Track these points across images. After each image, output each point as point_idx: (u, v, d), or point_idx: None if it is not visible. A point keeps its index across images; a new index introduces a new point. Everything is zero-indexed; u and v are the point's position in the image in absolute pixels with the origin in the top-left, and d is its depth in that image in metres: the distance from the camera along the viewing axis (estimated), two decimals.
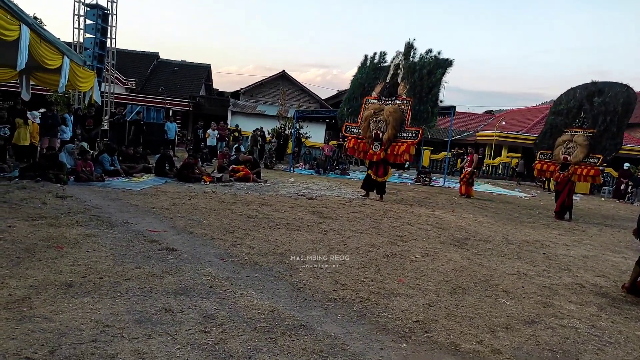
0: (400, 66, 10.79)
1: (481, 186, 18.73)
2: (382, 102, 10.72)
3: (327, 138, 26.05)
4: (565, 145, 10.98)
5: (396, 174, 20.86)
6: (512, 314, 3.91)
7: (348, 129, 11.43)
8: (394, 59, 11.02)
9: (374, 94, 11.00)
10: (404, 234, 6.95)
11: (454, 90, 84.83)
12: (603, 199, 19.12)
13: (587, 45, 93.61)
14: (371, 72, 11.36)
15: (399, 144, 10.32)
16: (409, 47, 10.82)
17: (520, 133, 27.70)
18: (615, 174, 22.91)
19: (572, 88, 11.55)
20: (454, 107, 19.20)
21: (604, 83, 10.98)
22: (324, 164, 18.12)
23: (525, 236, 7.90)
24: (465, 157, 15.56)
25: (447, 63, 10.40)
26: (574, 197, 11.38)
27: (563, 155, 10.94)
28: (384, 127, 10.40)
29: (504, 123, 30.24)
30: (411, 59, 10.67)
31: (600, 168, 11.39)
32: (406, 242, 6.35)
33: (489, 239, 7.29)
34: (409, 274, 4.82)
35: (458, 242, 6.73)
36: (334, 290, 4.04)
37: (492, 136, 27.82)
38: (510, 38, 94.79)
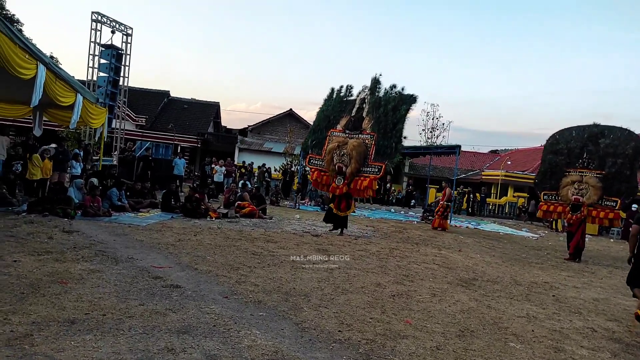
0: (366, 100, 10.80)
1: (488, 225, 18.59)
2: (347, 135, 10.63)
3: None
4: (575, 186, 10.93)
5: (402, 212, 20.80)
6: (522, 358, 3.81)
7: (311, 161, 11.23)
8: (360, 92, 11.06)
9: (338, 127, 10.90)
10: (410, 273, 6.86)
11: (459, 130, 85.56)
12: (612, 240, 18.86)
13: (590, 87, 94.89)
14: (337, 104, 11.34)
15: (362, 178, 10.23)
16: (375, 82, 10.86)
17: (526, 173, 27.70)
18: (623, 215, 22.68)
19: (566, 128, 11.71)
20: (459, 146, 19.35)
21: (604, 126, 11.16)
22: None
23: (534, 277, 7.77)
24: (441, 191, 15.76)
25: (412, 99, 10.54)
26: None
27: (574, 197, 10.86)
28: (348, 161, 10.31)
29: (509, 163, 30.32)
30: (377, 94, 10.73)
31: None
32: (413, 282, 6.26)
33: (497, 279, 7.17)
34: (415, 314, 4.73)
35: (465, 283, 6.62)
36: (339, 331, 3.96)
37: (498, 175, 27.82)
38: (514, 79, 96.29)
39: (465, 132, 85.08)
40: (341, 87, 11.52)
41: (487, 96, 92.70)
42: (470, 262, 8.63)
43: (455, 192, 21.71)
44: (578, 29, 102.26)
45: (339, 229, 10.64)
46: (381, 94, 10.73)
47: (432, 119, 43.91)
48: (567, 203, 11.04)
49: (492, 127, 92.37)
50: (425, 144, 39.18)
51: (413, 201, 24.77)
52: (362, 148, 10.24)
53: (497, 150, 43.53)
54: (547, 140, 12.17)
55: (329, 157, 10.58)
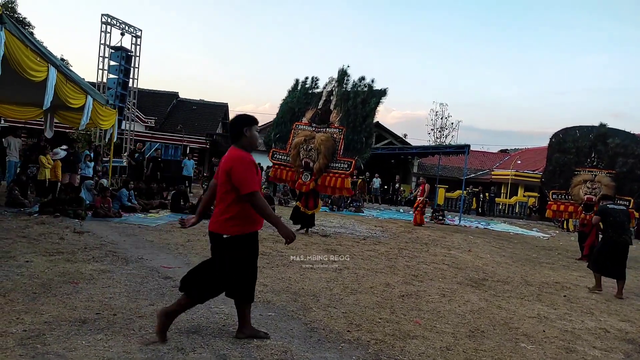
0: (334, 93, 10.40)
1: (498, 225, 18.46)
2: (314, 129, 10.15)
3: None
4: (588, 185, 10.83)
5: (411, 212, 20.71)
6: (533, 359, 3.77)
7: (275, 156, 10.55)
8: (326, 85, 10.64)
9: (304, 120, 10.40)
10: (419, 273, 6.83)
11: (469, 129, 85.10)
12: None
13: (602, 86, 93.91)
14: (302, 96, 10.82)
15: (331, 175, 9.82)
16: (343, 73, 10.44)
17: (536, 172, 27.44)
18: (637, 214, 22.41)
19: (570, 127, 11.71)
20: (468, 146, 19.21)
21: (610, 128, 11.30)
22: (338, 202, 18.09)
23: (545, 277, 7.70)
24: (418, 186, 15.62)
25: (381, 93, 10.18)
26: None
27: (587, 196, 10.75)
28: (315, 156, 9.83)
29: (519, 162, 30.07)
30: (344, 87, 10.32)
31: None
32: (422, 282, 6.23)
33: (508, 280, 7.12)
34: (425, 315, 4.70)
35: (475, 283, 6.58)
36: (348, 331, 3.95)
37: (508, 175, 27.61)
38: (524, 78, 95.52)
39: (475, 132, 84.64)
40: (306, 78, 11.02)
41: (497, 95, 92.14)
42: (480, 262, 8.57)
43: (465, 192, 21.61)
44: (588, 27, 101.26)
45: (305, 229, 10.03)
46: (349, 86, 10.32)
47: (441, 118, 43.79)
48: (578, 202, 10.93)
49: (501, 126, 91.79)
50: (434, 144, 39.04)
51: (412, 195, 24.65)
52: (331, 142, 9.83)
53: (507, 149, 43.23)
54: (551, 139, 12.05)
55: (294, 151, 10.06)
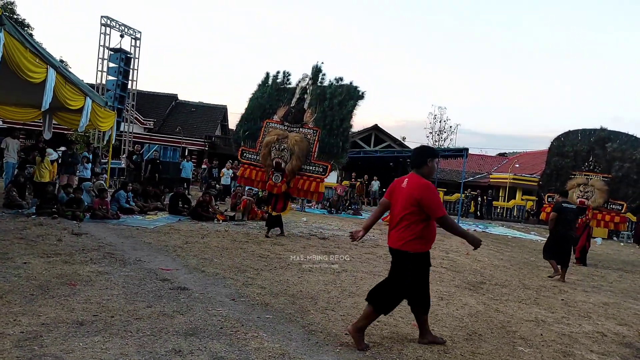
0: (308, 91, 9.92)
1: (496, 229, 18.48)
2: (286, 128, 9.58)
3: (339, 178, 26.17)
4: (581, 189, 10.85)
5: None
6: None
7: (245, 155, 9.88)
8: (300, 81, 10.12)
9: (275, 118, 9.81)
10: None
11: (467, 133, 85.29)
12: (622, 244, 18.67)
13: (600, 90, 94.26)
14: (274, 92, 10.24)
15: (304, 178, 9.39)
16: (317, 70, 9.97)
17: (534, 175, 27.51)
18: (634, 218, 22.45)
19: (572, 131, 11.69)
20: (466, 149, 19.30)
21: (610, 131, 11.15)
22: (337, 204, 18.11)
23: (543, 281, 7.71)
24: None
25: (359, 96, 9.72)
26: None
27: (579, 199, 10.78)
28: (288, 157, 9.24)
29: (517, 165, 30.15)
30: (319, 84, 9.85)
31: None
32: None
33: (505, 283, 7.12)
34: None
35: (473, 286, 6.58)
36: (346, 334, 3.95)
37: (506, 178, 27.68)
38: (524, 82, 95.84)
39: (474, 135, 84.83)
40: (277, 72, 10.41)
41: (496, 99, 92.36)
42: (478, 265, 8.58)
43: (463, 195, 21.64)
44: (587, 29, 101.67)
45: (273, 229, 9.57)
46: (326, 85, 9.86)
47: (440, 121, 43.88)
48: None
49: (500, 130, 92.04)
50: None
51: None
52: (305, 144, 9.31)
53: (505, 153, 43.33)
54: (552, 143, 12.11)
55: (265, 150, 9.43)
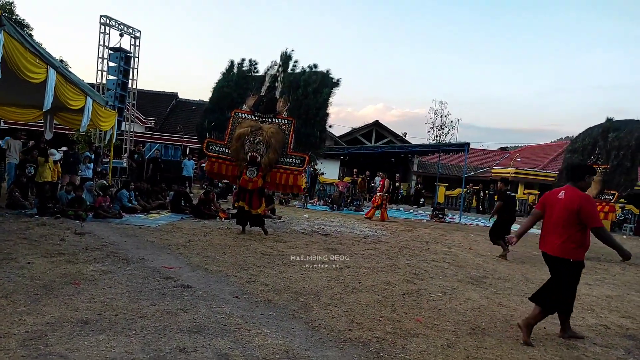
0: (279, 79, 9.47)
1: None
2: (257, 118, 9.00)
3: (341, 174, 26.18)
4: None
5: (411, 210, 20.74)
6: (534, 356, 3.78)
7: (211, 147, 9.08)
8: (268, 69, 9.66)
9: (245, 107, 9.27)
10: (420, 271, 6.84)
11: (468, 127, 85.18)
12: (625, 236, 18.64)
13: (604, 83, 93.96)
14: (240, 80, 9.66)
15: (281, 171, 8.88)
16: (287, 58, 9.48)
17: (536, 170, 27.47)
18: (637, 211, 22.42)
19: (590, 127, 11.53)
20: (468, 144, 19.25)
21: (621, 121, 10.97)
22: (338, 200, 18.11)
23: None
24: (378, 181, 15.44)
25: (334, 83, 9.47)
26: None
27: None
28: (264, 150, 8.64)
29: (519, 160, 30.07)
30: (290, 72, 9.36)
31: (620, 204, 11.20)
32: (423, 280, 6.25)
33: (508, 277, 7.13)
34: (426, 313, 4.72)
35: (476, 281, 6.59)
36: (349, 330, 3.96)
37: (508, 173, 27.62)
38: (524, 76, 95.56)
39: (475, 130, 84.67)
40: (243, 60, 9.93)
41: (497, 93, 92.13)
42: (480, 260, 8.58)
43: (465, 190, 21.63)
44: (589, 23, 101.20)
45: (262, 228, 9.12)
46: (297, 73, 9.43)
47: (441, 116, 43.89)
48: None
49: (502, 124, 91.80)
50: (433, 142, 39.08)
51: (422, 199, 24.67)
52: (281, 135, 8.81)
53: (507, 147, 43.28)
54: (570, 141, 12.18)
55: (237, 143, 8.74)
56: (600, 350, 4.12)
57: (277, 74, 9.70)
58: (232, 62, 10.16)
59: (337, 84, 9.55)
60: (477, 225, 16.55)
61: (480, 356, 3.66)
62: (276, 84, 9.62)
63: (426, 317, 4.55)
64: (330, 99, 9.36)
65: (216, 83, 9.91)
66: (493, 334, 4.24)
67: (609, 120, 11.14)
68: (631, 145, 10.32)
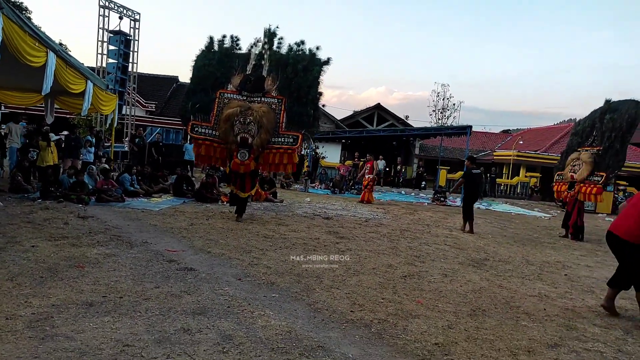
0: (265, 57, 8.93)
1: (499, 206, 18.50)
2: (245, 98, 8.55)
3: (342, 158, 26.16)
4: (572, 164, 10.83)
5: (412, 194, 20.76)
6: (534, 337, 3.83)
7: (196, 129, 8.56)
8: (252, 46, 9.22)
9: (230, 87, 8.77)
10: (421, 254, 6.88)
11: (471, 110, 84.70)
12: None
13: (608, 63, 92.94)
14: (224, 58, 9.07)
15: (274, 151, 8.48)
16: (271, 35, 8.87)
17: (538, 152, 27.39)
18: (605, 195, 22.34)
19: (594, 110, 11.37)
20: (470, 127, 19.16)
21: (619, 102, 10.77)
22: (340, 184, 18.12)
23: (546, 257, 7.75)
24: (366, 164, 15.24)
25: (324, 61, 8.96)
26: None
27: (570, 174, 10.78)
28: (255, 131, 8.19)
29: (521, 142, 29.97)
30: (277, 50, 8.76)
31: (609, 187, 11.07)
32: (424, 263, 6.29)
33: (509, 259, 7.17)
34: (427, 295, 4.76)
35: (477, 263, 6.63)
36: (351, 311, 4.01)
37: (510, 155, 27.56)
38: (528, 57, 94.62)
39: (477, 112, 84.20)
40: (223, 37, 9.39)
41: (500, 76, 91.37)
42: (481, 242, 8.62)
43: None
44: (593, 2, 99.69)
45: (238, 214, 8.61)
46: (283, 50, 8.98)
47: (443, 99, 43.57)
48: (566, 181, 10.96)
49: (504, 106, 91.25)
50: (435, 125, 38.89)
51: (424, 183, 24.68)
52: (272, 115, 8.42)
53: (509, 130, 43.07)
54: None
55: (226, 125, 8.25)
56: (599, 330, 4.16)
57: (263, 51, 9.27)
58: (211, 38, 9.81)
59: (327, 61, 9.17)
60: (478, 208, 16.57)
61: (480, 337, 3.70)
62: (263, 62, 9.11)
63: (427, 299, 4.60)
64: (321, 77, 9.07)
65: (194, 61, 9.18)
66: (493, 315, 4.29)
67: (607, 101, 10.97)
68: (622, 127, 10.19)
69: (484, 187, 8.55)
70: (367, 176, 14.42)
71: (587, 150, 10.70)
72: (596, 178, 10.28)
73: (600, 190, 10.28)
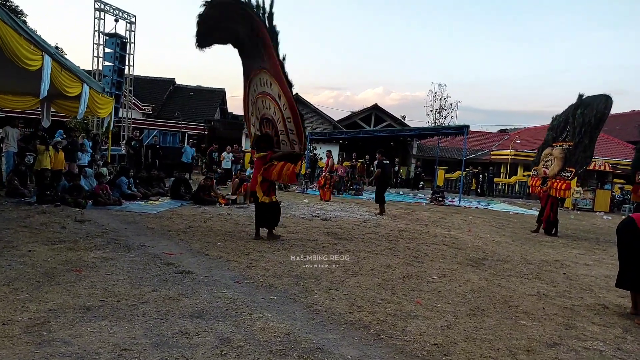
0: None
1: (497, 205, 18.52)
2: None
3: (340, 159, 26.16)
4: (545, 159, 10.86)
5: (410, 194, 20.78)
6: (533, 336, 3.82)
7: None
8: None
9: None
10: (420, 254, 6.88)
11: (468, 110, 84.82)
12: (624, 216, 18.71)
13: (605, 63, 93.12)
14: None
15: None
16: None
17: (535, 151, 27.39)
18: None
19: (571, 105, 11.27)
20: (467, 127, 19.16)
21: (591, 97, 10.63)
22: (338, 185, 18.11)
23: (545, 256, 7.76)
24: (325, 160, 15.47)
25: None
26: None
27: (543, 169, 10.82)
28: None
29: (518, 142, 30.00)
30: None
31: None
32: (422, 263, 6.28)
33: (507, 259, 7.17)
34: (426, 295, 4.75)
35: (475, 263, 6.63)
36: (350, 313, 4.00)
37: (507, 155, 27.60)
38: (525, 57, 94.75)
39: (475, 112, 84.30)
40: None
41: (497, 75, 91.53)
42: (479, 242, 8.62)
43: (464, 172, 21.63)
44: (590, 2, 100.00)
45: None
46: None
47: (440, 99, 43.67)
48: (540, 177, 10.99)
49: (501, 106, 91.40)
50: (433, 125, 38.94)
51: (422, 183, 24.70)
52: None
53: (507, 129, 43.12)
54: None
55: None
56: (598, 329, 4.16)
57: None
58: None
59: None
60: (476, 207, 16.60)
61: (479, 336, 3.70)
62: None
63: (426, 299, 4.59)
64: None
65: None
66: (492, 315, 4.28)
67: (580, 96, 10.88)
68: (591, 122, 10.15)
69: (393, 176, 9.31)
70: (323, 173, 14.56)
71: (559, 146, 10.69)
72: (566, 174, 10.29)
73: (568, 186, 10.31)
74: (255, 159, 7.18)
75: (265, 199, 6.91)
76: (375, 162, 13.23)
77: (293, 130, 6.81)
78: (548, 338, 3.80)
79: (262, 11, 6.48)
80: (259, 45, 6.75)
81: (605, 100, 10.16)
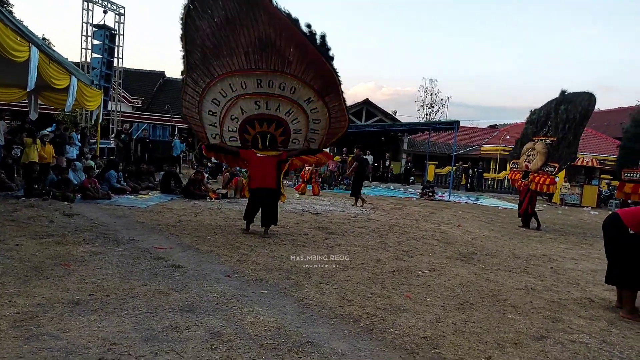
0: None
1: (487, 200, 18.67)
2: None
3: (331, 153, 26.17)
4: (527, 153, 10.96)
5: (401, 189, 20.86)
6: (520, 329, 3.88)
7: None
8: None
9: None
10: (409, 249, 6.92)
11: (458, 105, 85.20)
12: (611, 212, 18.97)
13: (593, 59, 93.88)
14: None
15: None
16: None
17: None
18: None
19: (551, 100, 11.35)
20: (457, 122, 19.28)
21: (574, 93, 10.76)
22: (329, 180, 18.14)
23: (533, 250, 7.85)
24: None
25: None
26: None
27: (525, 163, 10.93)
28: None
29: (508, 137, 30.22)
30: None
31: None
32: (412, 257, 6.32)
33: (496, 253, 7.24)
34: (415, 289, 4.79)
35: (464, 257, 6.69)
36: (340, 307, 4.02)
37: (497, 150, 27.80)
38: (515, 53, 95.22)
39: (465, 108, 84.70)
40: None
41: (487, 71, 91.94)
42: (469, 236, 8.70)
43: (454, 168, 21.76)
44: None
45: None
46: None
47: (431, 94, 43.77)
48: (521, 170, 11.09)
49: (491, 102, 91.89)
50: (423, 120, 39.06)
51: (412, 178, 24.80)
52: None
53: (497, 125, 43.41)
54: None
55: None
56: (584, 322, 4.23)
57: None
58: None
59: None
60: (466, 202, 16.73)
61: (468, 330, 3.74)
62: None
63: (415, 293, 4.63)
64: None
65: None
66: (480, 308, 4.33)
67: (562, 92, 10.98)
68: (576, 119, 10.27)
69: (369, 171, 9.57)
70: (306, 167, 14.01)
71: (541, 140, 10.78)
72: (550, 168, 10.40)
73: (553, 181, 10.42)
74: (259, 156, 7.04)
75: (284, 198, 7.38)
76: (353, 155, 13.65)
77: (317, 130, 7.27)
78: (535, 331, 3.86)
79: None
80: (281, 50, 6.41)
81: (589, 98, 10.29)
